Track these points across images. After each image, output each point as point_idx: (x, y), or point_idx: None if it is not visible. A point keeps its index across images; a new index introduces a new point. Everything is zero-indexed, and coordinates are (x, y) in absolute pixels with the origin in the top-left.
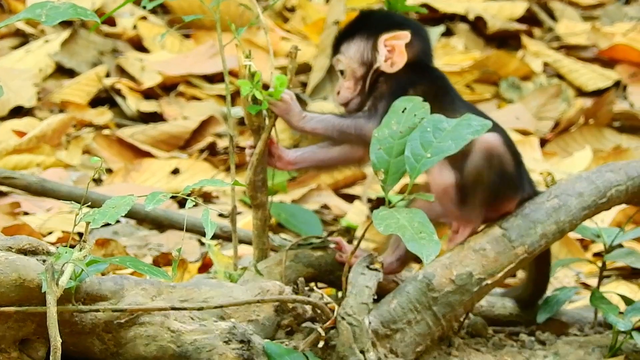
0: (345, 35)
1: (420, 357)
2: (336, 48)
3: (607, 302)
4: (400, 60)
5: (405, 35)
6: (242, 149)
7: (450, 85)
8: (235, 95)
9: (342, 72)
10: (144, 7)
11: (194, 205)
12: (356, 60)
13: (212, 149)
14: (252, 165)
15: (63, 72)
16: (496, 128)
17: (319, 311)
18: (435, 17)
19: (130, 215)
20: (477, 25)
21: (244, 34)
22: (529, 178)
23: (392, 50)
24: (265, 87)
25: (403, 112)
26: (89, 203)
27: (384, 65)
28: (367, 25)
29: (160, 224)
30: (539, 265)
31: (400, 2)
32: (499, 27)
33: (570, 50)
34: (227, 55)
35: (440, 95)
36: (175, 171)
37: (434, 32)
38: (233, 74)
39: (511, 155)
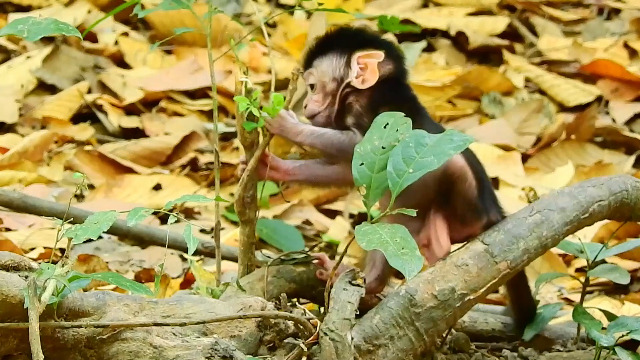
0: (318, 50)
1: None
2: (308, 62)
3: (590, 318)
4: (371, 78)
5: (378, 55)
6: (225, 164)
7: (421, 105)
8: (218, 110)
9: (312, 85)
10: (134, 18)
11: (176, 221)
12: (328, 75)
13: (193, 165)
14: (242, 181)
15: (45, 88)
16: (465, 151)
17: (301, 327)
18: (416, 32)
19: (112, 231)
20: (459, 41)
21: (225, 49)
22: (496, 201)
23: (365, 68)
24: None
25: (385, 127)
26: (71, 219)
27: (355, 82)
28: (341, 42)
29: (142, 240)
30: (516, 284)
31: (393, 22)
32: (481, 43)
33: (552, 65)
34: (208, 71)
35: (410, 115)
36: (157, 187)
37: (415, 48)
38: (218, 90)
39: (475, 178)
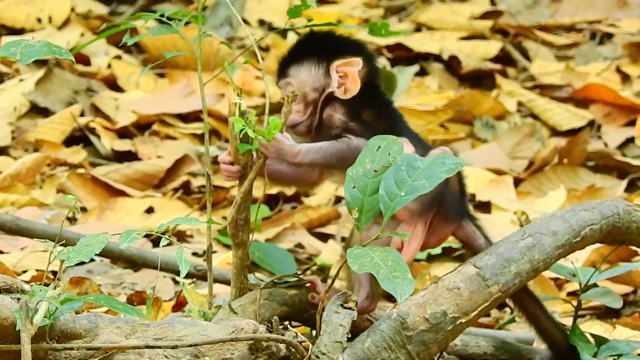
0: (293, 58)
1: None
2: (283, 71)
3: (585, 340)
4: (354, 87)
5: (357, 62)
6: (218, 188)
7: (397, 110)
8: (210, 134)
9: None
10: (125, 44)
11: (168, 244)
12: (308, 85)
13: (186, 188)
14: (235, 203)
15: (37, 111)
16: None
17: (293, 350)
18: (409, 56)
19: (104, 253)
20: (451, 65)
21: (216, 72)
22: (468, 209)
23: (345, 77)
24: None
25: (377, 150)
26: (63, 241)
27: (338, 92)
28: (317, 50)
29: (134, 263)
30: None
31: (384, 28)
32: (473, 67)
33: (544, 89)
34: (199, 95)
35: (390, 120)
36: (150, 210)
37: (408, 72)
38: (209, 113)
39: (457, 176)
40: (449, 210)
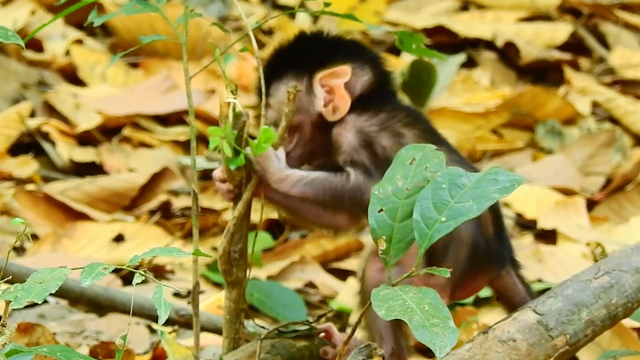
0: (271, 73)
1: None
2: (260, 90)
3: None
4: (343, 104)
5: (343, 72)
6: (205, 209)
7: (432, 126)
8: (197, 141)
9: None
10: (90, 25)
11: (143, 282)
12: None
13: (165, 210)
14: (228, 231)
15: None
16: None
17: None
18: (453, 42)
19: (61, 293)
20: (507, 54)
21: (206, 62)
22: (510, 253)
23: (332, 92)
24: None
25: (411, 163)
26: (9, 277)
27: (325, 112)
28: (297, 60)
29: (99, 305)
30: None
31: (416, 42)
32: (535, 57)
33: (627, 86)
34: (184, 90)
35: (421, 137)
36: (119, 238)
37: (452, 63)
38: (197, 114)
39: (491, 215)
40: (483, 259)
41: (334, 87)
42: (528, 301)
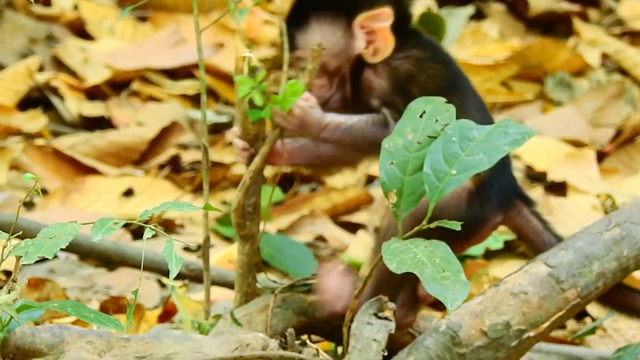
0: (300, 20)
1: None
2: (294, 39)
3: None
4: (386, 46)
5: (387, 14)
6: (216, 164)
7: (460, 69)
8: (207, 94)
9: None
10: None
11: (153, 236)
12: (326, 52)
13: (175, 165)
14: (244, 184)
15: None
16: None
17: None
18: None
19: (71, 248)
20: (516, 6)
21: (214, 16)
22: (519, 191)
23: (373, 34)
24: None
25: (421, 116)
26: (19, 232)
27: (366, 54)
28: (330, 3)
29: (109, 260)
30: None
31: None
32: (544, 8)
33: (636, 37)
34: (193, 44)
35: (452, 80)
36: (129, 192)
37: (460, 15)
38: (207, 68)
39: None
40: (489, 197)
41: (378, 30)
42: (548, 238)
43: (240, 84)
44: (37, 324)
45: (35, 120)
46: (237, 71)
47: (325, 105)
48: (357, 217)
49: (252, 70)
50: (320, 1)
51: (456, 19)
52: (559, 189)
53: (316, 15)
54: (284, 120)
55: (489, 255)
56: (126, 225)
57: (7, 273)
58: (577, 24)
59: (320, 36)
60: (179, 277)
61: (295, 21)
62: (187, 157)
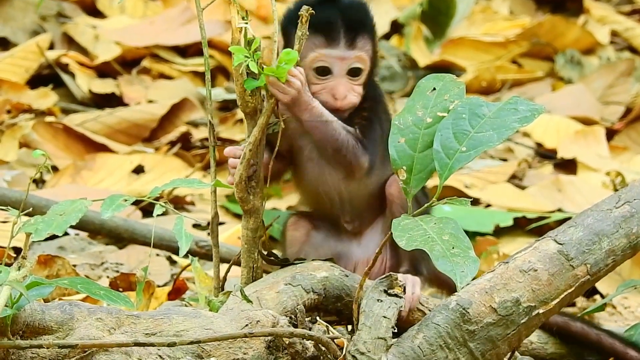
0: (359, 23)
1: None
2: (352, 38)
3: None
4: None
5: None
6: (224, 140)
7: None
8: (216, 72)
9: (356, 71)
10: None
11: (163, 213)
12: (371, 60)
13: (185, 142)
14: (244, 157)
15: None
16: None
17: (323, 348)
18: None
19: (81, 225)
20: None
21: None
22: None
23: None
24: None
25: (431, 92)
26: (29, 209)
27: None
28: (365, 15)
29: (119, 237)
30: None
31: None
32: None
33: None
34: (206, 21)
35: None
36: (139, 169)
37: None
38: (214, 44)
39: None
40: None
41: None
42: None
43: (235, 53)
44: (46, 301)
45: (45, 98)
46: (234, 42)
47: (345, 112)
48: None
49: (248, 42)
50: (361, 12)
51: None
52: (569, 166)
53: (366, 24)
54: (281, 91)
55: (499, 232)
56: (136, 203)
57: (17, 250)
58: (587, 1)
59: (371, 43)
60: (189, 254)
61: (357, 23)
62: (198, 134)
